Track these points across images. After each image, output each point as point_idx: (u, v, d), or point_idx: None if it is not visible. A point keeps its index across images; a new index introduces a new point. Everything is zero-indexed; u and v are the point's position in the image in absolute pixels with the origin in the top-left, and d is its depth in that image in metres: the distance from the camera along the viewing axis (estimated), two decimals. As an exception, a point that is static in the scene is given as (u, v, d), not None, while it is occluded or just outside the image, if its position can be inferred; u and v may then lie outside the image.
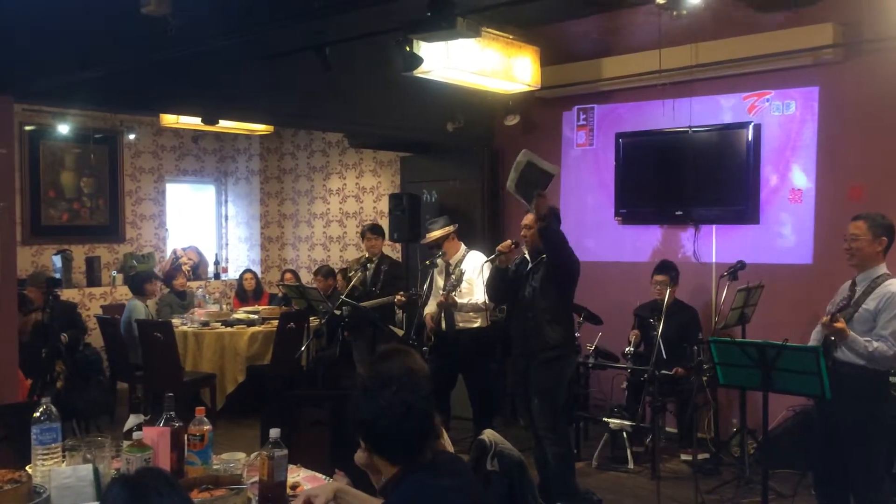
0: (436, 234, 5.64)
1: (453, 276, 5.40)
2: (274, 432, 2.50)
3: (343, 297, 6.33)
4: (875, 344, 3.78)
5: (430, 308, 5.65)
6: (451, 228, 5.65)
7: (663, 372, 5.34)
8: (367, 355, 6.57)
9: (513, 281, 4.81)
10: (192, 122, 7.21)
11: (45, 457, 2.56)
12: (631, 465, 5.63)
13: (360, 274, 6.63)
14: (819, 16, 5.66)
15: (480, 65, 5.63)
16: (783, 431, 5.54)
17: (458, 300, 5.46)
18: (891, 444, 4.27)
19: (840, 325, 3.82)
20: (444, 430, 2.62)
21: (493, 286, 4.92)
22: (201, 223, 10.08)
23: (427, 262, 5.93)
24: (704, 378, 5.49)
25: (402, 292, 5.75)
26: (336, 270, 7.78)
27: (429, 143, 7.74)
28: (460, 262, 5.58)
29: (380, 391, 2.03)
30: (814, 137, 5.89)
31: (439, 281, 5.67)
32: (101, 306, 8.02)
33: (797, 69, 5.87)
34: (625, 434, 5.68)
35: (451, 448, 2.48)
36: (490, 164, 7.53)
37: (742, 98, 6.18)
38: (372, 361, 2.20)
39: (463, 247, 5.72)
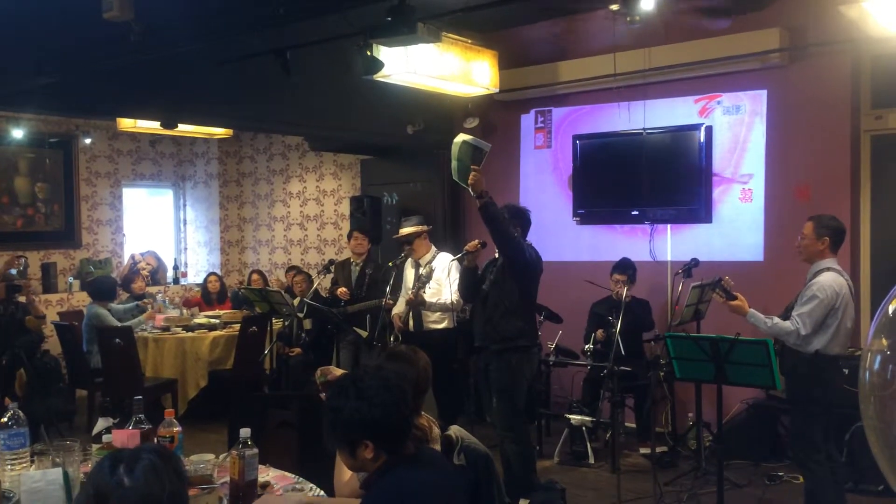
0: (409, 229, 5.67)
1: (423, 274, 5.44)
2: (244, 432, 2.54)
3: (306, 299, 6.34)
4: (775, 320, 4.11)
5: (399, 308, 5.66)
6: (424, 227, 5.71)
7: (622, 368, 5.47)
8: (353, 362, 6.51)
9: (482, 279, 4.89)
10: (150, 125, 7.14)
11: (13, 462, 2.57)
12: (591, 460, 5.75)
13: (321, 277, 6.62)
14: (766, 21, 5.87)
15: (440, 69, 5.70)
16: (737, 424, 5.72)
17: (427, 299, 5.49)
18: (831, 425, 4.47)
19: (736, 303, 4.20)
20: (434, 427, 2.72)
21: (464, 285, 5.00)
22: (159, 228, 9.99)
23: (390, 263, 5.98)
24: (661, 373, 5.65)
25: (390, 297, 5.70)
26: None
27: (389, 147, 7.79)
28: (430, 262, 5.61)
29: (378, 389, 2.16)
30: (762, 139, 6.09)
31: (409, 280, 5.71)
32: (59, 313, 7.90)
33: (746, 73, 6.06)
34: (584, 429, 5.79)
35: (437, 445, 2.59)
36: (450, 166, 7.59)
37: (694, 101, 6.36)
38: (381, 362, 2.34)
39: (433, 248, 5.76)
